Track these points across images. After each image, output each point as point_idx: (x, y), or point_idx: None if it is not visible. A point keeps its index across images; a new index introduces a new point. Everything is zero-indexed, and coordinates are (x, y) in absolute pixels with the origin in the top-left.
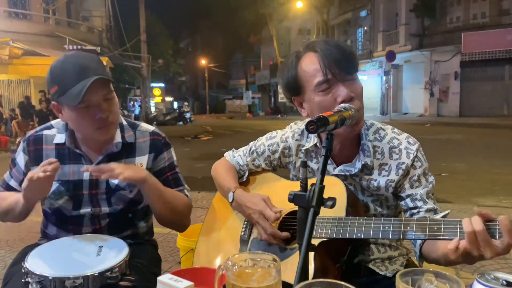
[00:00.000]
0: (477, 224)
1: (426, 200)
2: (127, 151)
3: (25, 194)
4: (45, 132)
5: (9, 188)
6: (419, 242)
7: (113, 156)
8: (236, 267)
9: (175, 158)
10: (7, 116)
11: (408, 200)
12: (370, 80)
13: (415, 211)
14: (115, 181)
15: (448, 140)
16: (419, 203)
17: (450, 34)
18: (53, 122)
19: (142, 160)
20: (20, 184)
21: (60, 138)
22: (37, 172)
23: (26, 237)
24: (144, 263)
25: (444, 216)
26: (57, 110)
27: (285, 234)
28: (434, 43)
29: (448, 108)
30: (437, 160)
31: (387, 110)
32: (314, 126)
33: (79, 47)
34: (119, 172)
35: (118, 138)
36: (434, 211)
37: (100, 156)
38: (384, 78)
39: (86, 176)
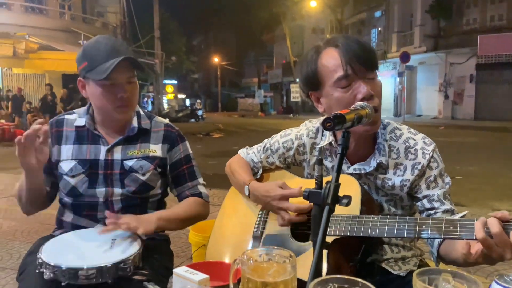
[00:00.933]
0: (494, 226)
1: (443, 201)
2: (142, 137)
3: (21, 162)
4: (67, 116)
5: None
6: (436, 242)
7: (129, 139)
8: (252, 261)
9: (190, 151)
10: (25, 109)
11: (425, 201)
12: (384, 81)
13: (432, 212)
14: (129, 163)
15: (462, 143)
16: (436, 204)
17: (466, 36)
18: (75, 110)
19: (156, 148)
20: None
21: (80, 121)
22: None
23: (40, 229)
24: (157, 258)
25: (462, 217)
26: (81, 86)
27: (309, 205)
28: (450, 45)
29: (463, 111)
30: (451, 163)
31: (401, 111)
32: (331, 123)
33: None
34: (135, 227)
35: (134, 123)
36: (451, 212)
37: (117, 139)
38: (398, 79)
39: (102, 156)
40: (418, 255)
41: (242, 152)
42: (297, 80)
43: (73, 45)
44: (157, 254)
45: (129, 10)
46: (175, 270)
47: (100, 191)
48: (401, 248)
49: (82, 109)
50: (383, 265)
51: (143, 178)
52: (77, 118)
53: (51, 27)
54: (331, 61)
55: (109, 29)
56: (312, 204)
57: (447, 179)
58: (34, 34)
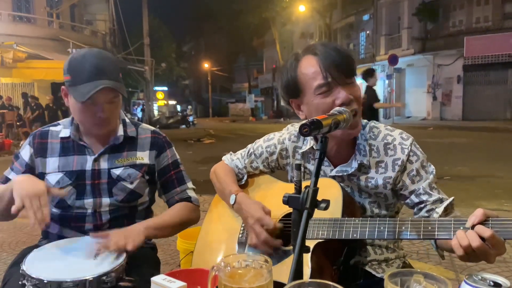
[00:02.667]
0: (474, 240)
1: (430, 192)
2: (129, 145)
3: (17, 186)
4: (51, 128)
5: (7, 181)
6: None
7: (115, 148)
8: (229, 268)
9: (178, 156)
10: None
11: (412, 196)
12: None
13: (422, 205)
14: (117, 172)
15: (451, 144)
16: (424, 197)
17: (453, 38)
18: (60, 120)
19: (143, 155)
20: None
21: (65, 132)
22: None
23: (28, 240)
24: (144, 266)
25: (449, 204)
26: (64, 94)
27: (278, 241)
28: (437, 47)
29: (451, 112)
30: (440, 163)
31: (390, 113)
32: (308, 129)
33: None
34: (125, 244)
35: (120, 132)
36: (440, 200)
37: (103, 148)
38: (387, 81)
39: (89, 166)
40: (401, 256)
41: (227, 158)
42: (278, 88)
43: (62, 53)
44: (143, 262)
45: (118, 17)
46: (153, 279)
47: (88, 202)
48: (384, 249)
49: (67, 120)
50: (367, 268)
51: (131, 186)
52: (62, 129)
53: (39, 36)
54: (310, 68)
55: (98, 37)
56: (280, 241)
57: (431, 168)
58: (22, 43)
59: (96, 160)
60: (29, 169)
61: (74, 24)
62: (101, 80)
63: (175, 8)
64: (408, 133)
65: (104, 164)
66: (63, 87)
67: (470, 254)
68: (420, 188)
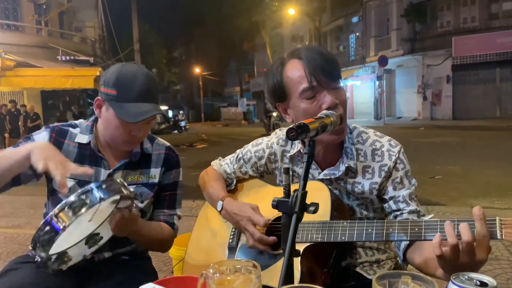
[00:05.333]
0: (466, 234)
1: (409, 201)
2: (144, 162)
3: (44, 156)
4: (71, 129)
5: None
6: (402, 246)
7: (131, 164)
8: (218, 274)
9: (181, 179)
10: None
11: (391, 202)
12: (363, 85)
13: (398, 213)
14: (131, 189)
15: (441, 143)
16: (401, 205)
17: (441, 38)
18: (76, 121)
19: (156, 172)
20: None
21: (83, 138)
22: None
23: (19, 250)
24: (141, 278)
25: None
26: (98, 105)
27: (272, 238)
28: (426, 47)
29: (441, 111)
30: (431, 163)
31: (381, 114)
32: (295, 133)
33: (72, 57)
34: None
35: (137, 148)
36: (417, 213)
37: (119, 163)
38: (377, 83)
39: (103, 179)
40: (392, 257)
41: (215, 163)
42: (265, 92)
43: (51, 61)
44: (141, 275)
45: (108, 23)
46: (141, 287)
47: None
48: (375, 251)
49: (84, 124)
50: (358, 269)
51: (140, 205)
52: (78, 133)
53: (28, 44)
54: (296, 72)
55: (88, 44)
56: (274, 238)
57: (413, 181)
58: (10, 51)
59: (110, 175)
60: None
61: (63, 31)
62: (149, 103)
63: (165, 13)
64: (397, 141)
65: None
66: (99, 98)
67: (452, 254)
68: (400, 195)
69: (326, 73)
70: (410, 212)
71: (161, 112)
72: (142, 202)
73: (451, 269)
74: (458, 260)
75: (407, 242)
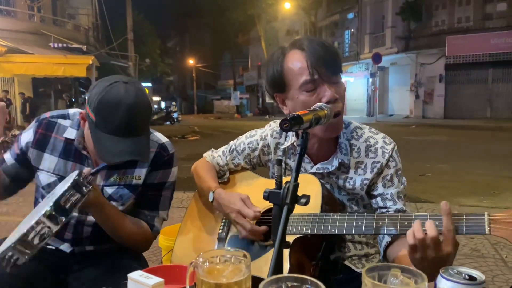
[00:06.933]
0: (431, 229)
1: (396, 200)
2: (130, 161)
3: None
4: (60, 121)
5: (2, 163)
6: (384, 242)
7: (116, 164)
8: (207, 263)
9: (170, 180)
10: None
11: (379, 199)
12: (357, 82)
13: (384, 210)
14: (109, 190)
15: (432, 142)
16: (388, 203)
17: (435, 37)
18: (70, 111)
19: (141, 172)
20: (15, 159)
21: (71, 133)
22: None
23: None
24: (136, 266)
25: None
26: (82, 118)
27: (263, 228)
28: (420, 46)
29: (433, 110)
30: (422, 161)
31: (373, 111)
32: (288, 124)
33: (64, 45)
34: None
35: None
36: (403, 212)
37: (102, 164)
38: (371, 80)
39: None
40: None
41: (208, 155)
42: (263, 81)
43: (43, 47)
44: (136, 264)
45: (102, 12)
46: (130, 275)
47: (74, 215)
48: (364, 245)
49: (76, 118)
50: (347, 263)
51: (121, 208)
52: (69, 126)
53: (20, 30)
54: (297, 64)
55: (81, 32)
56: (265, 227)
57: (403, 180)
58: (2, 36)
59: (93, 175)
60: (22, 154)
61: (56, 18)
62: (129, 138)
63: (159, 3)
64: (391, 138)
65: (99, 180)
66: (83, 112)
67: (421, 248)
68: (388, 193)
69: (328, 66)
70: (396, 211)
71: (137, 158)
72: (122, 204)
73: (421, 264)
74: (426, 253)
75: (389, 239)
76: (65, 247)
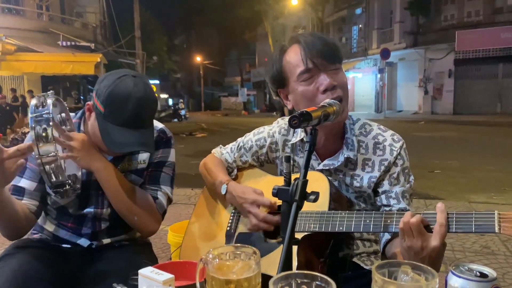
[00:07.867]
0: (417, 216)
1: (401, 199)
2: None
3: None
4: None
5: (17, 189)
6: (384, 239)
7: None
8: (217, 260)
9: (170, 160)
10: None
11: (383, 196)
12: (365, 78)
13: (387, 208)
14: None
15: (441, 138)
16: (392, 201)
17: (444, 32)
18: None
19: (144, 157)
20: (30, 178)
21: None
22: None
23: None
24: (146, 262)
25: None
26: (88, 109)
27: (276, 217)
28: (429, 41)
29: (442, 106)
30: (431, 157)
31: (382, 107)
32: (297, 121)
33: (72, 43)
34: (75, 157)
35: None
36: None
37: (110, 157)
38: (379, 75)
39: (94, 176)
40: None
41: (216, 151)
42: (266, 80)
43: (51, 46)
44: (146, 259)
45: (109, 9)
46: (140, 271)
47: (90, 211)
48: (373, 242)
49: (77, 119)
50: (355, 260)
51: None
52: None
53: (29, 28)
54: (294, 56)
55: (88, 30)
56: (279, 219)
57: (410, 178)
58: (11, 35)
59: None
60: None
61: (64, 16)
62: (137, 130)
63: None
64: (399, 136)
65: None
66: (90, 103)
67: (409, 233)
68: (393, 191)
69: (324, 55)
70: (399, 210)
71: (145, 149)
72: None
73: (408, 253)
74: (412, 241)
75: (389, 237)
76: (83, 242)
